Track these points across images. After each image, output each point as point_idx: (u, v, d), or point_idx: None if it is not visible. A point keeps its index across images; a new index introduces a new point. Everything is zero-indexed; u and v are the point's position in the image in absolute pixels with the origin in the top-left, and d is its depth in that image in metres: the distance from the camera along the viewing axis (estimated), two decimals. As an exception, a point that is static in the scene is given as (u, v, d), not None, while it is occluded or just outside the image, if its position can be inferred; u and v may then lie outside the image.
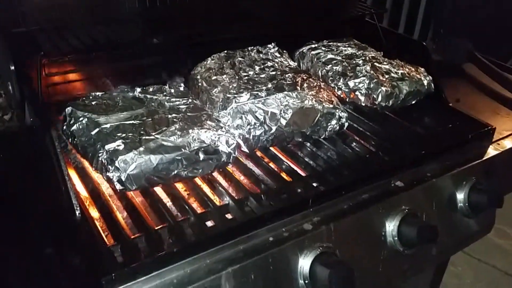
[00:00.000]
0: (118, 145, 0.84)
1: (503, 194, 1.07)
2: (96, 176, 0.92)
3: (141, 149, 0.84)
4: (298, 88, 1.04)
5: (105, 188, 0.90)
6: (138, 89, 1.05)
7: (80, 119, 0.92)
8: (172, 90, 1.06)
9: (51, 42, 1.05)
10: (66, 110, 0.96)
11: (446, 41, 1.55)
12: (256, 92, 1.01)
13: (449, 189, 1.07)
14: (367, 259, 0.93)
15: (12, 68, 0.97)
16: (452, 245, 1.12)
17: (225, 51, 1.19)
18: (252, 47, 1.21)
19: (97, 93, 1.02)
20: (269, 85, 1.03)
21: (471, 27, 2.44)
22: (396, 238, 0.96)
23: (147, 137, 0.87)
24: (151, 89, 1.06)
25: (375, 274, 0.94)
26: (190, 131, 0.90)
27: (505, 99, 1.44)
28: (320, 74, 1.22)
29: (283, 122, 0.99)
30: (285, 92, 1.02)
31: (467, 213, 1.07)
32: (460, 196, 1.08)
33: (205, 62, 1.17)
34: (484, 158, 1.14)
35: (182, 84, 1.10)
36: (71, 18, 1.13)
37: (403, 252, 0.97)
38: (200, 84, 1.10)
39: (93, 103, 0.98)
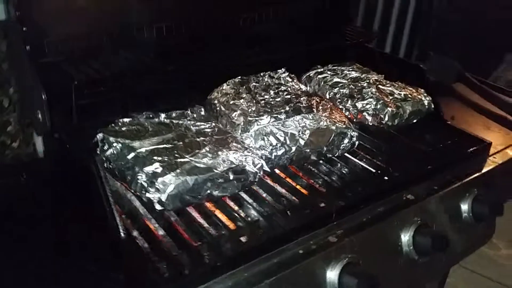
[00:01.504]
0: (156, 168, 0.90)
1: (502, 203, 1.16)
2: (129, 197, 0.97)
3: (178, 171, 0.90)
4: (314, 110, 1.11)
5: (141, 209, 0.95)
6: (163, 115, 1.11)
7: (114, 144, 0.98)
8: (195, 115, 1.12)
9: (77, 70, 1.11)
10: (98, 136, 1.01)
11: (437, 62, 1.65)
12: (276, 115, 1.08)
13: (454, 201, 1.15)
14: (387, 268, 1.00)
15: (44, 97, 1.03)
16: (460, 252, 1.20)
17: (239, 77, 1.26)
18: (264, 73, 1.29)
19: (125, 120, 1.07)
20: (287, 108, 1.11)
21: (455, 46, 2.61)
22: (411, 247, 1.03)
23: (181, 160, 0.93)
24: (174, 115, 1.12)
25: (395, 282, 1.01)
26: (219, 153, 0.97)
27: (496, 116, 1.54)
28: (327, 97, 1.30)
29: (302, 142, 1.07)
30: (302, 114, 1.09)
31: (471, 222, 1.16)
32: (464, 206, 1.16)
33: (221, 88, 1.23)
34: (483, 171, 1.22)
35: (202, 109, 1.16)
36: (92, 46, 1.19)
37: (418, 260, 1.04)
38: (218, 108, 1.17)
39: (123, 129, 1.04)
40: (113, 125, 1.06)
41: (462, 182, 1.16)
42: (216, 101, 1.19)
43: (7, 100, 1.26)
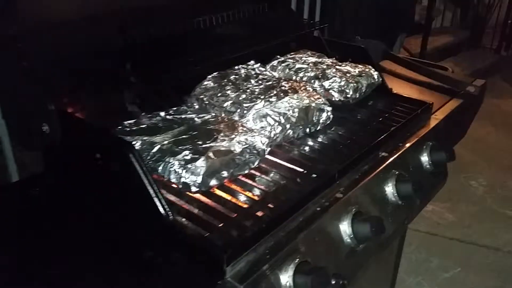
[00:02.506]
0: (186, 155, 1.00)
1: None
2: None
3: (206, 155, 1.00)
4: (297, 91, 1.27)
5: (170, 196, 1.04)
6: (162, 113, 1.19)
7: (133, 142, 1.05)
8: (192, 109, 1.22)
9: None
10: (113, 138, 1.08)
11: (365, 44, 1.88)
12: (268, 99, 1.22)
13: (416, 153, 1.37)
14: (382, 212, 1.19)
15: (52, 108, 1.07)
16: (427, 196, 1.43)
17: (217, 72, 1.38)
18: (238, 66, 1.42)
19: (130, 121, 1.15)
20: (274, 92, 1.25)
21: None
22: (395, 194, 1.23)
23: (205, 146, 1.03)
24: (171, 111, 1.21)
25: (388, 223, 1.20)
26: (232, 136, 1.09)
27: (424, 83, 1.81)
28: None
29: (293, 119, 1.22)
30: (289, 95, 1.24)
31: (431, 168, 1.39)
32: (424, 157, 1.39)
33: (202, 84, 1.34)
34: (431, 126, 1.47)
35: (195, 104, 1.26)
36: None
37: (402, 205, 1.24)
38: (207, 102, 1.28)
39: (134, 128, 1.11)
40: (120, 127, 1.13)
41: (419, 137, 1.39)
42: (202, 96, 1.30)
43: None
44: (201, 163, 0.99)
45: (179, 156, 1.00)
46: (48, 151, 1.16)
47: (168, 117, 1.18)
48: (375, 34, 2.74)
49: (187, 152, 1.00)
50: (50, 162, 1.18)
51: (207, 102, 1.28)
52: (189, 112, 1.20)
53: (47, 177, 1.15)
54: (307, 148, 1.26)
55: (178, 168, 0.98)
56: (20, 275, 0.89)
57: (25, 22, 1.13)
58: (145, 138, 1.06)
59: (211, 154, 1.01)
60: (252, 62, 1.46)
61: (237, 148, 1.06)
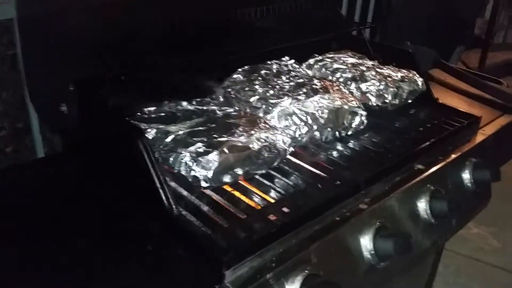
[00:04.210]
0: (199, 147, 0.94)
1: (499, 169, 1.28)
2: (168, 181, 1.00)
3: (220, 149, 0.94)
4: (329, 91, 1.18)
5: (180, 189, 0.98)
6: (184, 103, 1.14)
7: (148, 130, 1.01)
8: (216, 101, 1.17)
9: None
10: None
11: (414, 50, 1.76)
12: (296, 96, 1.14)
13: (457, 169, 1.25)
14: (411, 229, 1.09)
15: (72, 87, 1.04)
16: (465, 216, 1.31)
17: (248, 66, 1.32)
18: (270, 61, 1.35)
19: (150, 108, 1.10)
20: (304, 90, 1.17)
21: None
22: (428, 212, 1.12)
23: (220, 139, 0.97)
24: (194, 102, 1.16)
25: (416, 242, 1.09)
26: (252, 132, 1.02)
27: (475, 95, 1.67)
28: (331, 81, 1.37)
29: (322, 121, 1.13)
30: (319, 95, 1.16)
31: (473, 188, 1.27)
32: (466, 174, 1.27)
33: (232, 77, 1.28)
34: (477, 142, 1.34)
35: (220, 96, 1.20)
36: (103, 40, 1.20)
37: (434, 224, 1.13)
38: (234, 96, 1.22)
39: (152, 116, 1.07)
40: (139, 114, 1.09)
41: (462, 152, 1.27)
42: (229, 89, 1.24)
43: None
44: (213, 157, 0.92)
45: (192, 148, 0.94)
46: (66, 132, 1.13)
47: (189, 107, 1.13)
48: (432, 43, 2.60)
49: (200, 144, 0.94)
50: (67, 143, 1.15)
51: (233, 96, 1.22)
52: (212, 104, 1.15)
53: (64, 158, 1.13)
54: (334, 153, 1.17)
55: (189, 161, 0.92)
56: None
57: (54, 2, 1.11)
58: (161, 126, 1.01)
59: (225, 149, 0.94)
60: (286, 58, 1.38)
61: (256, 145, 0.99)
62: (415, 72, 1.44)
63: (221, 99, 1.19)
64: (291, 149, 1.05)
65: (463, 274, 2.77)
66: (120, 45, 1.11)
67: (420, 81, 1.41)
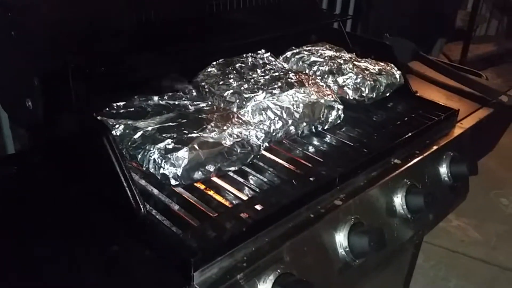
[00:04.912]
0: (168, 144, 0.91)
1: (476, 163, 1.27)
2: (137, 178, 0.97)
3: (190, 145, 0.91)
4: (305, 84, 1.16)
5: (150, 188, 0.95)
6: (156, 97, 1.11)
7: (116, 126, 0.97)
8: (188, 96, 1.13)
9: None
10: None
11: (393, 43, 1.74)
12: (271, 90, 1.11)
13: (434, 163, 1.24)
14: (387, 225, 1.07)
15: (36, 83, 1.00)
16: (442, 211, 1.30)
17: (223, 59, 1.28)
18: (246, 54, 1.32)
19: (119, 103, 1.06)
20: (279, 84, 1.15)
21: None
22: (405, 207, 1.10)
23: (191, 135, 0.94)
24: (166, 97, 1.12)
25: (392, 238, 1.08)
26: (224, 128, 0.99)
27: (454, 88, 1.66)
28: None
29: (297, 115, 1.11)
30: (295, 89, 1.13)
31: (450, 182, 1.25)
32: (443, 168, 1.26)
33: (206, 70, 1.25)
34: (455, 136, 1.33)
35: (193, 90, 1.17)
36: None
37: (411, 219, 1.11)
38: (207, 90, 1.18)
39: (121, 111, 1.03)
40: (107, 109, 1.05)
41: (439, 146, 1.26)
42: (203, 83, 1.21)
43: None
44: (183, 154, 0.89)
45: (161, 145, 0.90)
46: (31, 127, 1.09)
47: (161, 102, 1.09)
48: (413, 36, 2.58)
49: (169, 140, 0.91)
50: (34, 139, 1.11)
51: (207, 90, 1.18)
52: (184, 99, 1.11)
53: (28, 155, 1.09)
54: (310, 148, 1.15)
55: (158, 158, 0.89)
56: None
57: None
58: (129, 122, 0.98)
59: (196, 145, 0.91)
60: (262, 51, 1.35)
61: (228, 141, 0.96)
62: (393, 65, 1.42)
63: (194, 94, 1.16)
64: (265, 144, 1.03)
65: (443, 267, 2.78)
66: (87, 39, 1.06)
67: (398, 74, 1.39)
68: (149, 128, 0.95)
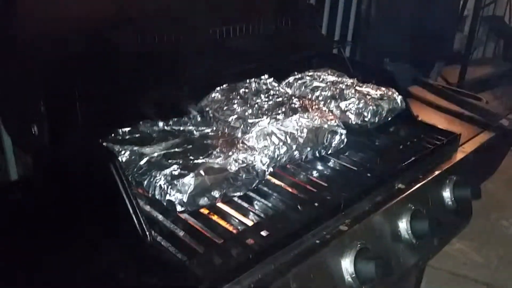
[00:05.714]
0: (174, 170, 0.91)
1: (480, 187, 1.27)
2: (142, 204, 0.97)
3: (196, 171, 0.91)
4: (308, 110, 1.17)
5: (155, 214, 0.95)
6: (161, 123, 1.11)
7: (122, 152, 0.97)
8: (193, 121, 1.14)
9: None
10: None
11: (392, 68, 1.77)
12: (275, 116, 1.12)
13: (438, 188, 1.24)
14: (392, 250, 1.07)
15: (43, 108, 1.00)
16: (446, 235, 1.29)
17: (226, 84, 1.30)
18: (249, 79, 1.33)
19: (124, 129, 1.07)
20: (283, 109, 1.16)
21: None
22: (410, 232, 1.10)
23: (197, 161, 0.94)
24: (171, 122, 1.13)
25: (398, 263, 1.07)
26: (230, 153, 0.99)
27: (455, 112, 1.68)
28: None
29: (301, 140, 1.11)
30: (299, 114, 1.14)
31: (454, 206, 1.25)
32: (446, 193, 1.26)
33: (210, 95, 1.26)
34: (457, 160, 1.33)
35: (198, 115, 1.18)
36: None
37: (416, 244, 1.11)
38: (211, 115, 1.19)
39: (127, 137, 1.03)
40: (113, 135, 1.05)
41: (442, 170, 1.26)
42: (207, 108, 1.22)
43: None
44: (189, 180, 0.89)
45: (167, 171, 0.91)
46: (37, 153, 1.09)
47: (166, 127, 1.10)
48: (411, 59, 2.61)
49: (175, 166, 0.92)
50: (39, 165, 1.11)
51: (211, 115, 1.19)
52: (189, 124, 1.12)
53: (33, 181, 1.09)
54: (314, 173, 1.15)
55: (164, 184, 0.89)
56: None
57: (25, 21, 1.08)
58: (135, 148, 0.98)
59: (201, 171, 0.92)
60: (265, 76, 1.37)
61: (233, 167, 0.97)
62: (394, 90, 1.43)
63: (199, 119, 1.17)
64: (270, 169, 1.03)
65: (447, 290, 2.76)
66: (93, 65, 1.07)
67: (399, 99, 1.41)
68: (155, 154, 0.96)
